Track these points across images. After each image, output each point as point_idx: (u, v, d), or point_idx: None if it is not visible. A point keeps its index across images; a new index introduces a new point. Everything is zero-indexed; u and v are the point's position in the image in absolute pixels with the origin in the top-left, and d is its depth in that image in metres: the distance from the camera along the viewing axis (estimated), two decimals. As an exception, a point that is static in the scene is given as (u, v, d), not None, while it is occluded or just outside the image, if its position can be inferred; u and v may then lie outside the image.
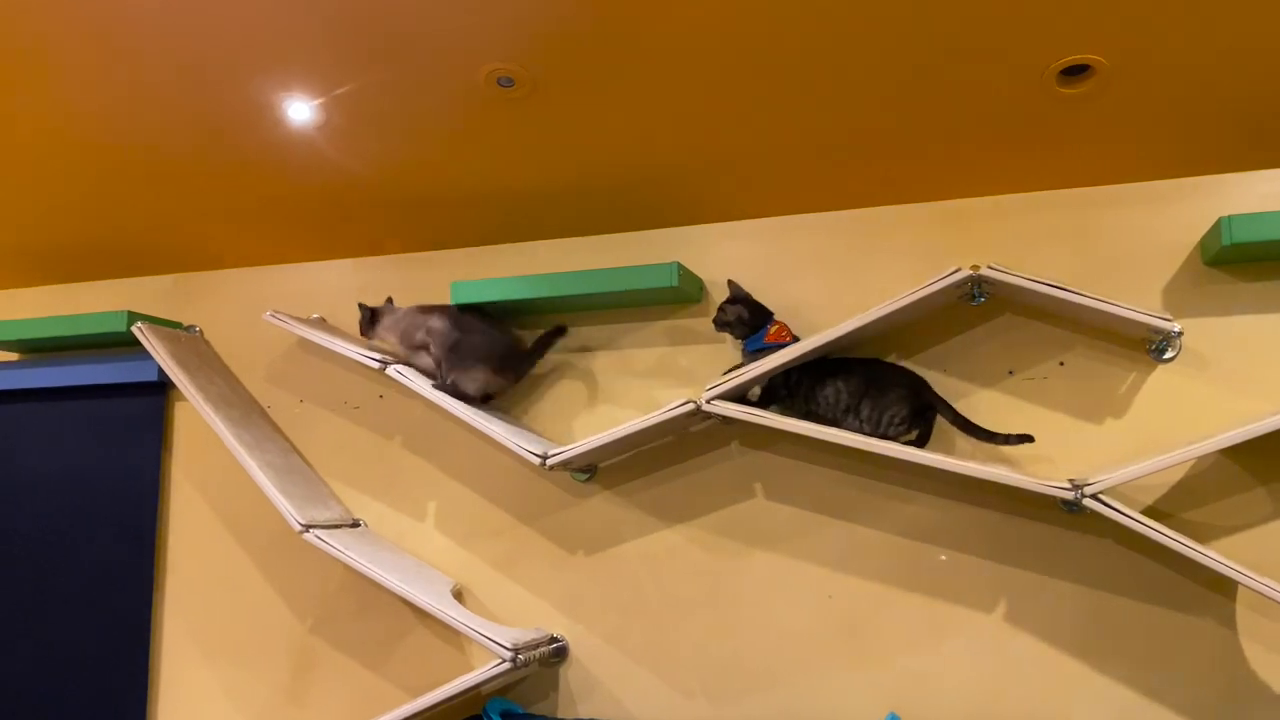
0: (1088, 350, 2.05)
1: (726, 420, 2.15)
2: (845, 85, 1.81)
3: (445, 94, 1.91)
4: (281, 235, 2.52)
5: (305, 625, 2.52)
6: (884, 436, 1.98)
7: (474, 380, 2.28)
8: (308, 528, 2.25)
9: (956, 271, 1.89)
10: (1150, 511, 1.97)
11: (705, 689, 2.21)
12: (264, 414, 2.61)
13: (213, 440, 2.62)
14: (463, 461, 2.46)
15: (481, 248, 2.50)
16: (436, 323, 2.33)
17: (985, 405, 2.09)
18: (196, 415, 2.67)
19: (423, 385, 2.27)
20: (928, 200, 2.18)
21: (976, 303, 2.05)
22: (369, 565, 2.19)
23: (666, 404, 2.08)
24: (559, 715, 2.29)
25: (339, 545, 2.22)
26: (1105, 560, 2.00)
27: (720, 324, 2.16)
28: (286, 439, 2.59)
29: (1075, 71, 1.74)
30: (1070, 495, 1.80)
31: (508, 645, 2.08)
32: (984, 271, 1.90)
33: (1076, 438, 2.04)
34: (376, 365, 2.33)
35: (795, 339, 2.09)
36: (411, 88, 1.90)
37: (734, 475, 2.24)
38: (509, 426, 2.27)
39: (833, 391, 2.05)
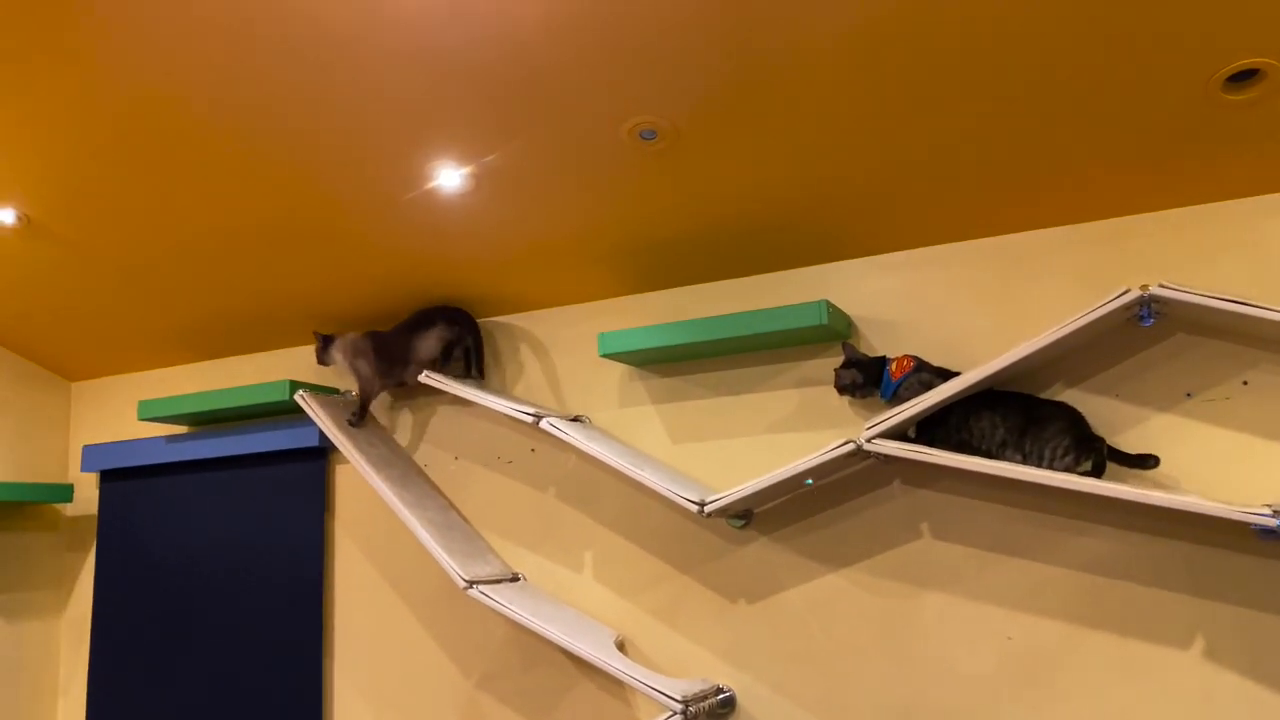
0: (1273, 367, 1.94)
1: (886, 459, 2.10)
2: (990, 106, 1.77)
3: (590, 151, 1.95)
4: (428, 298, 2.59)
5: (471, 680, 2.55)
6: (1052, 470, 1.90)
7: (430, 339, 2.52)
8: (472, 584, 2.28)
9: (1126, 292, 1.82)
10: (1358, 536, 1.83)
11: (881, 737, 2.14)
12: (421, 473, 2.68)
13: (373, 500, 2.69)
14: (616, 511, 2.47)
15: (627, 297, 2.52)
16: (368, 340, 2.62)
17: (1163, 430, 1.98)
18: (357, 477, 2.74)
19: (575, 437, 2.29)
20: (1084, 220, 2.10)
21: (1146, 324, 1.96)
22: (533, 619, 2.21)
23: (824, 445, 2.04)
24: (729, 767, 2.26)
25: (503, 600, 2.25)
26: (1312, 590, 1.87)
27: (841, 389, 2.19)
28: (444, 496, 2.65)
29: (1242, 77, 1.67)
30: (1273, 523, 1.68)
31: (677, 697, 2.06)
32: (1155, 290, 1.82)
33: (1267, 460, 1.92)
34: (529, 420, 2.36)
35: (918, 360, 2.08)
36: (555, 148, 1.94)
37: (898, 515, 2.18)
38: (662, 474, 2.27)
39: (989, 424, 1.99)
